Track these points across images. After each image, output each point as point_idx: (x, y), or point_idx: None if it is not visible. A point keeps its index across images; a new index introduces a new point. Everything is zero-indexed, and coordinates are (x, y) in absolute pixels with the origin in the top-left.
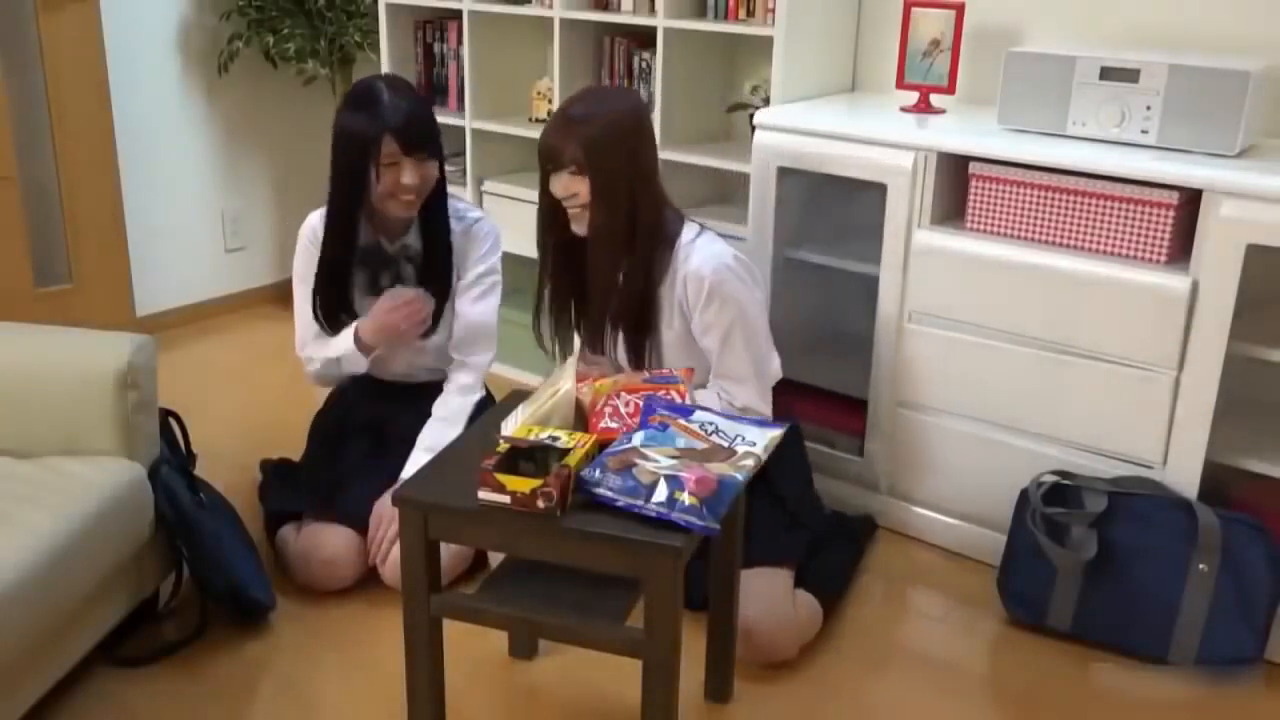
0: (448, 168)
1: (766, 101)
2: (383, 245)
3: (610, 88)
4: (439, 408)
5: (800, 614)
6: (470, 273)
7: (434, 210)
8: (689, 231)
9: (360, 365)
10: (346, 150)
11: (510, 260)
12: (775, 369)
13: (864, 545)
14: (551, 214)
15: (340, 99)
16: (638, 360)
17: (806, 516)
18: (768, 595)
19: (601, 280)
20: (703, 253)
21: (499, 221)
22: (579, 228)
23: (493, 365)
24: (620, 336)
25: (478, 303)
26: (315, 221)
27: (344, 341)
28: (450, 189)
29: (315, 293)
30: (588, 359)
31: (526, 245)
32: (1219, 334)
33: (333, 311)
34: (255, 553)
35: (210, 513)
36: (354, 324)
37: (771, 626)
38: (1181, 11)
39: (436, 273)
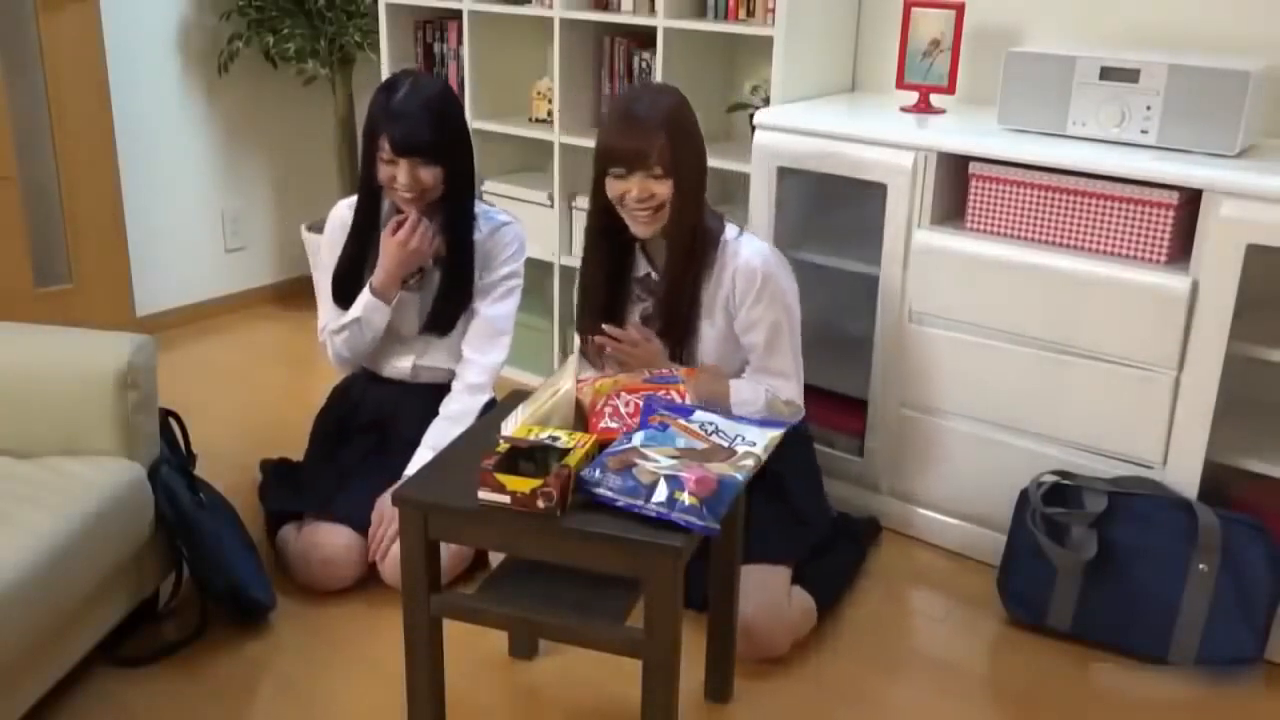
0: None
1: (766, 101)
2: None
3: (649, 84)
4: (446, 406)
5: (794, 611)
6: (492, 274)
7: (454, 210)
8: (731, 229)
9: (382, 315)
10: (365, 136)
11: None
12: None
13: (866, 547)
14: (608, 216)
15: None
16: (682, 356)
17: (812, 518)
18: (764, 591)
19: (674, 281)
20: (750, 248)
21: None
22: (644, 229)
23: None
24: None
25: (496, 304)
26: (344, 210)
27: (362, 296)
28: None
29: (336, 269)
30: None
31: (527, 245)
32: (1219, 334)
33: (351, 288)
34: (255, 553)
35: (210, 513)
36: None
37: (767, 623)
38: (1181, 11)
39: (456, 274)
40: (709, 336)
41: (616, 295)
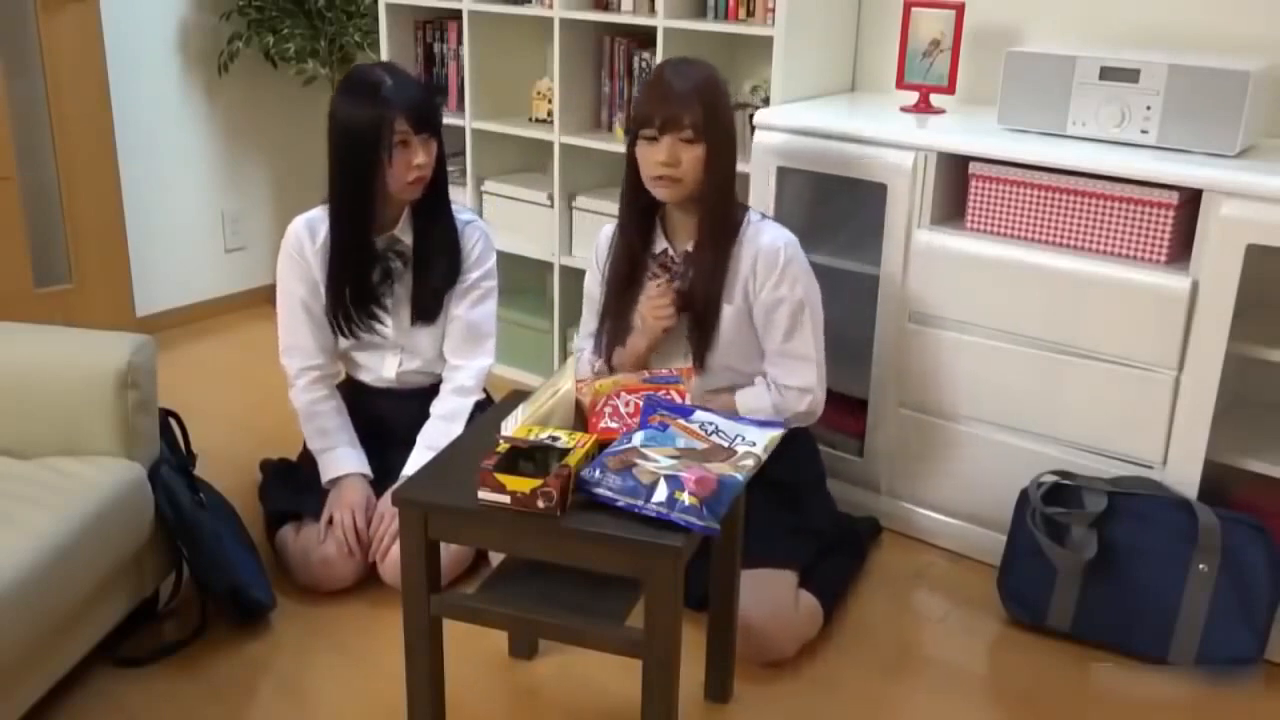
0: (449, 167)
1: (766, 101)
2: (372, 240)
3: (685, 58)
4: (437, 406)
5: (801, 614)
6: (466, 277)
7: (433, 201)
8: (754, 213)
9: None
10: (355, 137)
11: (509, 260)
12: None
13: (867, 547)
14: (638, 189)
15: (337, 90)
16: (703, 336)
17: (818, 521)
18: (770, 595)
19: (709, 257)
20: (772, 232)
21: (500, 222)
22: (665, 194)
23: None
24: (685, 316)
25: (476, 307)
26: (300, 229)
27: (327, 462)
28: (450, 189)
29: (338, 288)
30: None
31: (527, 245)
32: (1219, 334)
33: (362, 303)
34: (255, 553)
35: (210, 513)
36: (341, 472)
37: (773, 627)
38: (1181, 11)
39: (437, 264)
40: (727, 316)
41: (637, 269)
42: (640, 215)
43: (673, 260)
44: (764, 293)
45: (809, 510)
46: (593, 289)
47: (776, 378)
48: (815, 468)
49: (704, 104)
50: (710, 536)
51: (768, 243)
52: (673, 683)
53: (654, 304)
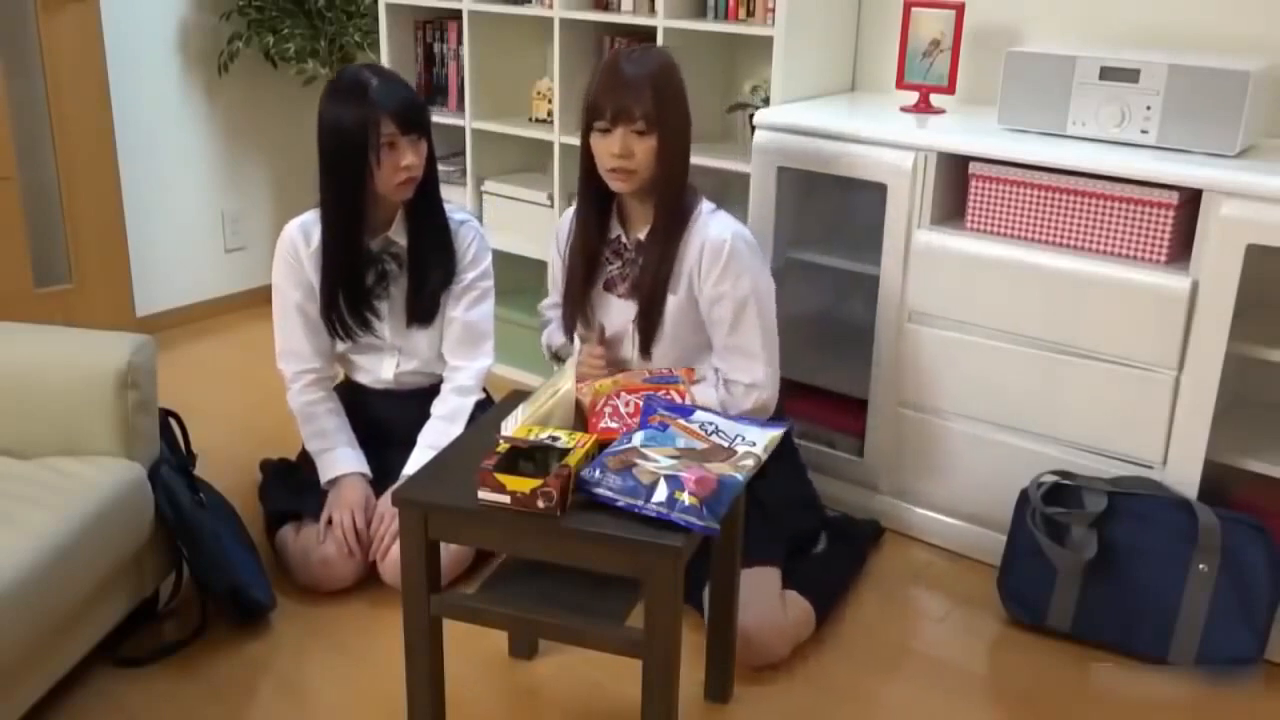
0: (448, 167)
1: (766, 101)
2: (365, 242)
3: (641, 45)
4: (438, 406)
5: (791, 615)
6: (462, 277)
7: (425, 201)
8: (707, 204)
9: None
10: (343, 139)
11: (510, 260)
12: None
13: (867, 550)
14: (592, 178)
15: (324, 93)
16: (648, 325)
17: (787, 517)
18: (759, 599)
19: (660, 245)
20: (722, 222)
21: (499, 222)
22: (620, 186)
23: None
24: (635, 304)
25: (473, 308)
26: (294, 233)
27: (326, 463)
28: (449, 189)
29: (332, 291)
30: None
31: (526, 245)
32: (1219, 334)
33: (356, 306)
34: (255, 553)
35: (210, 513)
36: (340, 472)
37: (764, 632)
38: (1181, 11)
39: (432, 261)
40: (671, 306)
41: (594, 257)
42: (597, 204)
43: (625, 248)
44: (707, 286)
45: (775, 503)
46: (555, 269)
47: (724, 373)
48: (778, 464)
49: (656, 94)
50: (710, 536)
51: (714, 235)
52: (673, 683)
53: (589, 360)
